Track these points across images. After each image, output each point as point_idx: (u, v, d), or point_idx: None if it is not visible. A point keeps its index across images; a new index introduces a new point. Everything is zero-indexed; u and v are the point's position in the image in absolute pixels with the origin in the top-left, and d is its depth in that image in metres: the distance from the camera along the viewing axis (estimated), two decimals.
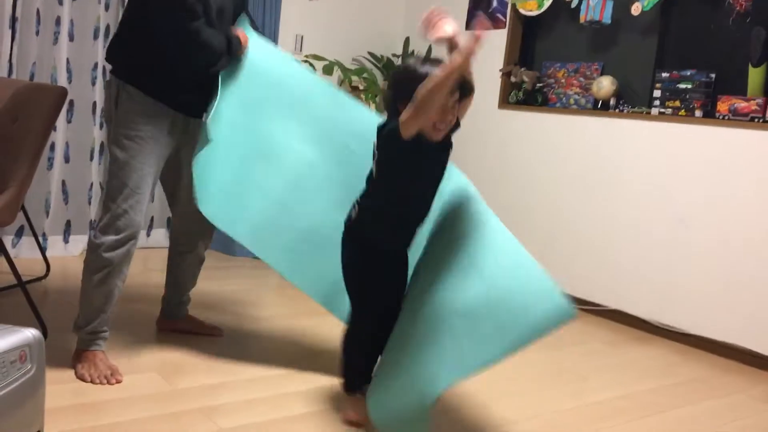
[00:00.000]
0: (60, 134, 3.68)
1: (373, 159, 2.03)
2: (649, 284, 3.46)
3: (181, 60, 2.27)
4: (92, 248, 2.26)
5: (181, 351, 2.57)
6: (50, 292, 3.15)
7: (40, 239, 3.57)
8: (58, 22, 3.59)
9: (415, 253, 2.16)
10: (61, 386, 2.15)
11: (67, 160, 3.75)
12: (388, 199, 2.03)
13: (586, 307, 3.71)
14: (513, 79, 4.13)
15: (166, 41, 2.23)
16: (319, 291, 2.50)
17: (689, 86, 3.36)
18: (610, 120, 3.66)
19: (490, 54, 4.21)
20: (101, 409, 2.06)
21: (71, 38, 3.67)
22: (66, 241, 3.79)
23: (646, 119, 3.51)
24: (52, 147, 3.65)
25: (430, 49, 4.59)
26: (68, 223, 3.79)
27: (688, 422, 2.43)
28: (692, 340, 3.30)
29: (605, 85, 3.70)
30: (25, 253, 3.57)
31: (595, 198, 3.71)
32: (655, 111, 3.49)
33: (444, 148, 2.03)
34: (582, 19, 3.78)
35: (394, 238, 2.08)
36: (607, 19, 3.71)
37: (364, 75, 4.36)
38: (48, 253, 3.51)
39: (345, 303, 2.23)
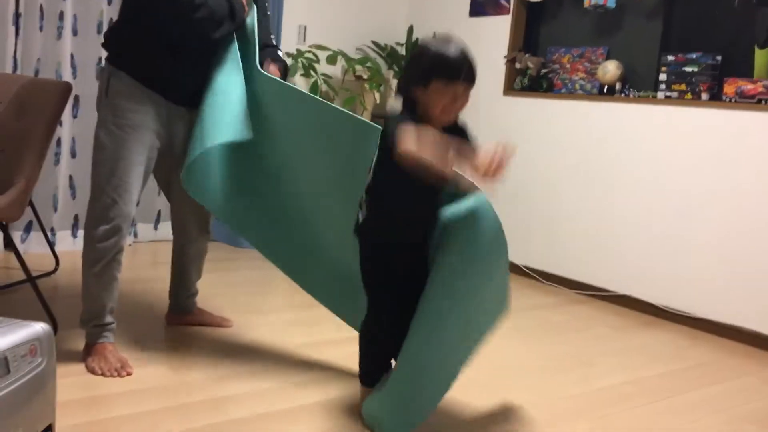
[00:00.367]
0: (66, 129, 3.69)
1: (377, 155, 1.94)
2: (657, 269, 3.46)
3: (178, 39, 2.23)
4: (86, 241, 2.28)
5: (190, 342, 2.59)
6: (60, 286, 3.17)
7: (49, 234, 3.59)
8: (61, 17, 3.59)
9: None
10: (72, 379, 2.17)
11: (73, 155, 3.76)
12: (388, 203, 1.95)
13: (593, 293, 3.71)
14: (518, 65, 4.11)
15: (162, 20, 2.20)
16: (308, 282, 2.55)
17: (695, 69, 3.34)
18: (616, 105, 3.64)
19: (494, 40, 4.19)
20: (112, 401, 2.07)
21: (75, 33, 3.67)
22: (74, 235, 3.81)
23: (652, 103, 3.49)
24: (59, 142, 3.66)
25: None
26: (76, 218, 3.81)
27: (697, 406, 2.43)
28: (701, 324, 3.30)
29: (610, 69, 3.68)
30: (34, 249, 3.59)
31: (602, 183, 3.70)
32: (661, 95, 3.47)
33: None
34: (586, 4, 3.76)
35: (404, 234, 2.01)
36: (611, 2, 3.68)
37: (368, 64, 4.35)
38: (57, 248, 3.54)
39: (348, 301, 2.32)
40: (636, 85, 3.67)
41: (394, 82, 4.55)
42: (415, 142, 1.64)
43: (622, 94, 3.67)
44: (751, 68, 3.18)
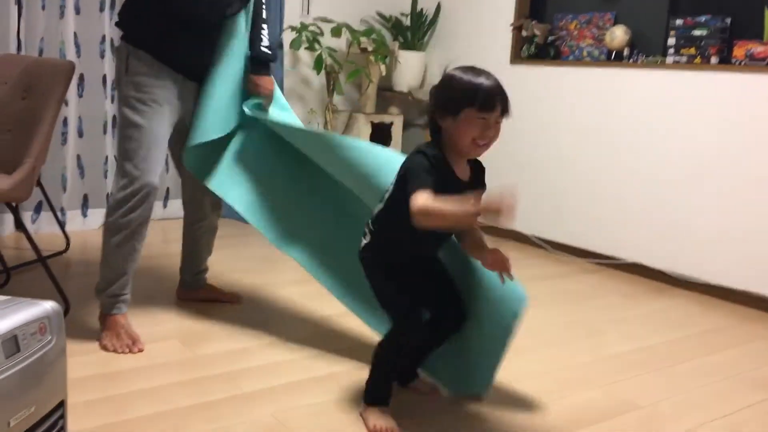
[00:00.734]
0: (72, 109, 3.69)
1: (391, 186, 1.88)
2: (667, 235, 3.44)
3: (191, 14, 2.27)
4: (110, 211, 2.29)
5: (201, 318, 2.61)
6: (71, 265, 3.20)
7: (59, 214, 3.61)
8: None
9: None
10: (85, 357, 2.20)
11: (80, 134, 3.77)
12: (400, 231, 1.82)
13: (604, 261, 3.70)
14: (524, 33, 4.06)
15: None
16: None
17: (704, 32, 3.28)
18: (624, 71, 3.60)
19: (500, 8, 4.14)
20: (125, 377, 2.10)
21: (77, 11, 3.65)
22: (84, 215, 3.83)
23: (660, 68, 3.45)
24: (65, 122, 3.66)
25: (438, 8, 4.53)
26: (85, 197, 3.83)
27: (707, 372, 2.43)
28: (711, 290, 3.29)
29: (618, 35, 3.63)
30: (44, 229, 3.62)
31: (611, 150, 3.67)
32: (669, 59, 3.42)
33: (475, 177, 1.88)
34: None
35: (413, 252, 1.94)
36: None
37: (373, 36, 4.31)
38: (67, 228, 3.56)
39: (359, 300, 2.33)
40: (644, 50, 3.62)
41: (399, 54, 4.51)
42: (429, 199, 1.63)
43: (631, 60, 3.62)
44: (761, 30, 3.12)
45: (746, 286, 3.16)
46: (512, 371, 2.32)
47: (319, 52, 4.19)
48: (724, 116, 3.20)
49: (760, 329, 2.91)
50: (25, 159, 2.52)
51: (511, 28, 4.13)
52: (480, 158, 1.88)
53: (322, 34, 4.25)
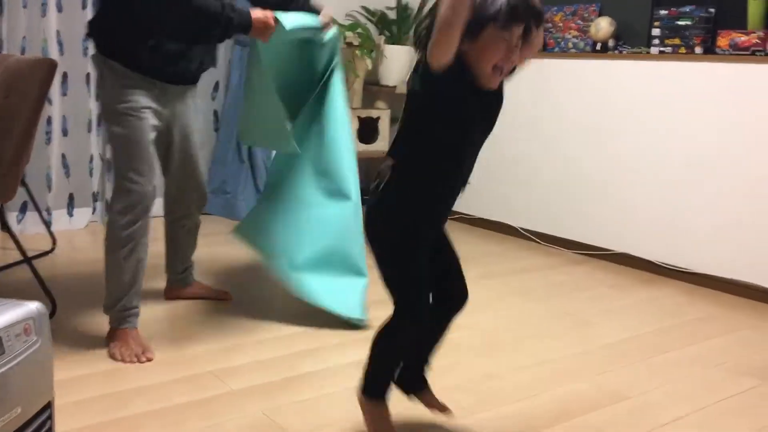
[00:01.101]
0: (56, 107, 3.66)
1: (404, 113, 1.64)
2: (655, 225, 3.45)
3: (167, 30, 2.23)
4: (110, 227, 2.26)
5: (190, 316, 2.60)
6: (58, 265, 3.17)
7: (44, 214, 3.58)
8: None
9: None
10: (73, 357, 2.18)
11: (65, 133, 3.74)
12: (421, 163, 1.60)
13: (592, 252, 3.72)
14: None
15: (150, 9, 2.17)
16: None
17: (689, 23, 3.29)
18: (609, 62, 3.60)
19: None
20: (114, 376, 2.09)
21: (60, 9, 3.62)
22: (70, 214, 3.80)
23: (646, 59, 3.46)
24: (49, 121, 3.63)
25: (423, 1, 4.52)
26: (71, 197, 3.80)
27: (696, 361, 2.45)
28: (700, 279, 3.31)
29: (603, 26, 3.64)
30: (30, 229, 3.59)
31: (598, 141, 3.68)
32: (654, 50, 3.43)
33: (497, 98, 1.69)
34: None
35: (451, 183, 1.66)
36: None
37: (358, 30, 4.30)
38: (53, 228, 3.53)
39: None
40: (629, 41, 3.62)
41: (385, 48, 4.50)
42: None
43: (616, 51, 3.63)
44: (744, 20, 3.14)
45: (733, 275, 3.18)
46: (500, 363, 2.33)
47: None
48: (709, 105, 3.21)
49: (749, 317, 2.93)
50: (7, 158, 2.49)
51: None
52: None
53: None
